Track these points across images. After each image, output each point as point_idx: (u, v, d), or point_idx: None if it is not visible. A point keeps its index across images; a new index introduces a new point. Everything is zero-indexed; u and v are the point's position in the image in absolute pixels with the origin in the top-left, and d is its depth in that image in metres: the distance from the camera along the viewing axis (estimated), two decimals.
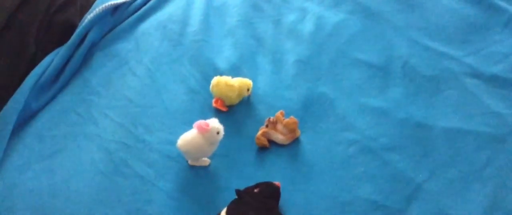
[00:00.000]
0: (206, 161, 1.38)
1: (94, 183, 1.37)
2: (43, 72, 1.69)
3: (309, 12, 1.93)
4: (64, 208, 1.31)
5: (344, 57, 1.70)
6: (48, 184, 1.38)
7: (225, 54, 1.78)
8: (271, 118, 1.42)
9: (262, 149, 1.40)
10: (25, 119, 1.59)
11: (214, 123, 1.31)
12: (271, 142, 1.41)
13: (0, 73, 1.60)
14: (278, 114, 1.43)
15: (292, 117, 1.41)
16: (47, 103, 1.65)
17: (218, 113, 1.53)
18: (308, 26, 1.86)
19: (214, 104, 1.55)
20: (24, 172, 1.42)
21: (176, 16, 1.98)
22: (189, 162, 1.38)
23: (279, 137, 1.40)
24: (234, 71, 1.66)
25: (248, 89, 1.55)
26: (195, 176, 1.36)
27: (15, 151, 1.49)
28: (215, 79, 1.53)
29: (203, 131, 1.30)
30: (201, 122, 1.30)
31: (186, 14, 1.98)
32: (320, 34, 1.82)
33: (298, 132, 1.42)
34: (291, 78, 1.65)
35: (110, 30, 1.95)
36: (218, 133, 1.32)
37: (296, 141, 1.41)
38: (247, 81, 1.56)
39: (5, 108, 1.55)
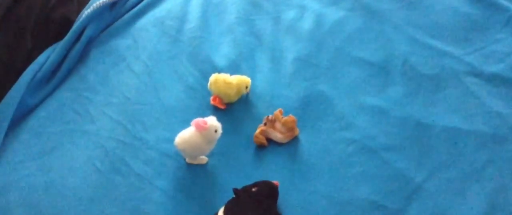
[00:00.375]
0: (203, 159, 1.37)
1: (91, 181, 1.36)
2: (40, 68, 1.67)
3: (309, 9, 1.91)
4: (59, 206, 1.30)
5: (343, 55, 1.69)
6: (44, 181, 1.36)
7: (223, 52, 1.76)
8: (270, 116, 1.41)
9: (260, 147, 1.39)
10: (21, 116, 1.57)
11: (212, 121, 1.30)
12: (270, 141, 1.40)
13: None
14: (276, 112, 1.41)
15: (290, 115, 1.40)
16: (43, 99, 1.64)
17: (216, 111, 1.52)
18: (307, 23, 1.85)
19: (212, 102, 1.53)
20: (20, 169, 1.40)
21: (174, 13, 1.96)
22: (187, 160, 1.37)
23: (277, 136, 1.38)
24: (233, 69, 1.65)
25: (246, 87, 1.54)
26: (192, 175, 1.35)
27: (11, 148, 1.47)
28: (213, 77, 1.52)
29: (201, 129, 1.28)
30: (199, 120, 1.29)
31: (184, 10, 1.97)
32: (320, 31, 1.80)
33: (297, 131, 1.40)
34: (290, 76, 1.63)
35: (108, 26, 1.93)
36: (216, 131, 1.30)
37: (294, 140, 1.40)
38: (246, 79, 1.54)
39: (0, 104, 1.54)
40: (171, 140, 1.33)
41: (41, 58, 1.69)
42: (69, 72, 1.73)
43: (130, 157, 1.41)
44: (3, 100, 1.55)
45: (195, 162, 1.36)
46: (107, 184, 1.34)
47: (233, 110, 1.53)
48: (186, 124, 1.33)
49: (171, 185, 1.32)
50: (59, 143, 1.49)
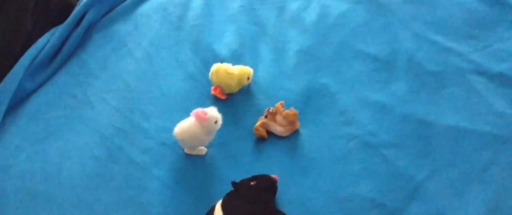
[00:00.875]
0: (202, 150, 1.35)
1: (87, 168, 1.35)
2: (39, 52, 1.65)
3: (314, 1, 1.88)
4: (56, 192, 1.29)
5: (347, 48, 1.66)
6: (41, 167, 1.35)
7: (226, 41, 1.74)
8: (271, 109, 1.39)
9: (260, 140, 1.37)
10: (19, 100, 1.56)
11: (212, 112, 1.28)
12: (270, 133, 1.38)
13: None
14: (278, 104, 1.39)
15: (292, 108, 1.38)
16: (42, 84, 1.62)
17: (216, 101, 1.50)
18: (312, 14, 1.82)
19: (212, 92, 1.51)
20: (17, 154, 1.39)
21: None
22: (185, 150, 1.35)
23: (278, 129, 1.37)
24: (235, 59, 1.63)
25: (248, 78, 1.52)
26: (191, 165, 1.33)
27: (9, 132, 1.46)
28: (215, 66, 1.50)
29: (200, 119, 1.26)
30: (198, 110, 1.27)
31: None
32: (324, 23, 1.77)
33: (298, 124, 1.39)
34: (292, 68, 1.61)
35: (109, 11, 1.90)
36: (216, 122, 1.29)
37: (295, 133, 1.38)
38: (248, 70, 1.52)
39: None
40: (171, 129, 1.31)
41: (40, 42, 1.67)
42: (69, 57, 1.72)
43: (128, 145, 1.40)
44: (1, 84, 1.53)
45: (194, 153, 1.35)
46: (104, 172, 1.33)
47: (233, 100, 1.51)
48: (186, 113, 1.32)
49: (168, 175, 1.31)
50: (56, 128, 1.47)
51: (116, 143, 1.41)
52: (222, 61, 1.56)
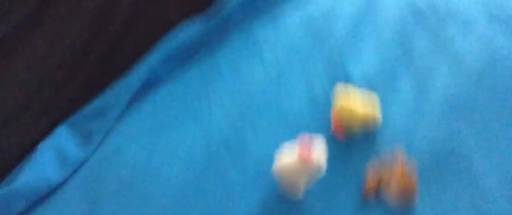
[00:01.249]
0: (300, 193, 1.21)
1: (185, 174, 1.32)
2: (177, 41, 1.65)
3: (476, 31, 1.56)
4: (151, 190, 1.29)
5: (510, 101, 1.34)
6: (145, 161, 1.36)
7: (362, 61, 1.54)
8: (386, 172, 1.17)
9: (366, 198, 1.18)
10: (149, 87, 1.58)
11: (318, 156, 1.12)
12: (380, 195, 1.18)
13: (135, 40, 1.59)
14: (398, 163, 1.17)
15: (412, 176, 1.15)
16: (172, 75, 1.62)
17: (333, 141, 1.31)
18: (472, 48, 1.52)
19: (332, 129, 1.34)
20: (129, 144, 1.41)
21: (322, 9, 1.76)
22: (283, 188, 1.23)
23: (389, 194, 1.15)
24: (368, 84, 1.44)
25: (373, 122, 1.30)
26: (285, 207, 1.21)
27: (129, 118, 1.50)
28: (340, 102, 1.30)
29: (305, 159, 1.11)
30: (305, 148, 1.11)
31: (336, 8, 1.75)
32: (487, 64, 1.46)
33: (414, 197, 1.15)
34: (433, 114, 1.36)
35: (250, 4, 1.80)
36: (319, 167, 1.12)
37: (409, 207, 1.15)
38: (375, 112, 1.30)
39: (130, 74, 1.55)
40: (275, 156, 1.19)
41: (179, 31, 1.66)
42: (203, 51, 1.69)
43: (229, 161, 1.33)
44: (134, 72, 1.56)
45: (291, 192, 1.22)
46: (198, 183, 1.29)
47: (350, 142, 1.32)
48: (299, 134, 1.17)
49: (258, 212, 1.20)
50: (171, 123, 1.47)
51: (219, 155, 1.35)
52: (353, 84, 1.40)
